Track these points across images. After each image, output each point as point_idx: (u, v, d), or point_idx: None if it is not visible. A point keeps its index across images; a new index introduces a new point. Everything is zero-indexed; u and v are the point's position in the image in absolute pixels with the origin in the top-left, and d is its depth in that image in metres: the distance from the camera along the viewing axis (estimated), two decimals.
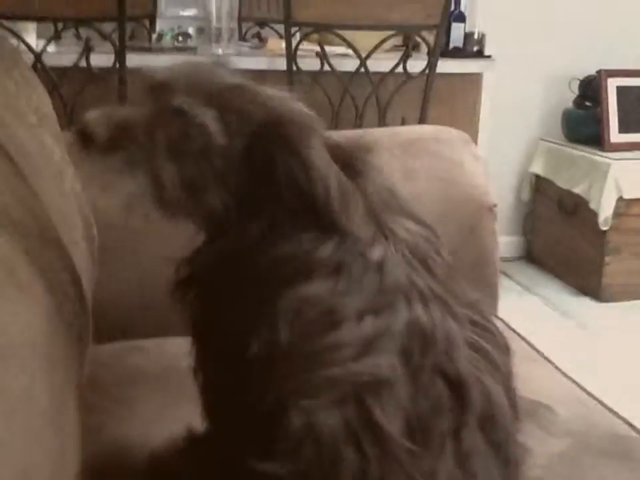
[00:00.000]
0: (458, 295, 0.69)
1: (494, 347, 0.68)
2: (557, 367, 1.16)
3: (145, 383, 1.08)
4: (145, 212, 0.69)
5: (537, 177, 3.33)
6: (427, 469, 0.60)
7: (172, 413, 1.02)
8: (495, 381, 0.65)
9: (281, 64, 2.33)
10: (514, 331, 1.24)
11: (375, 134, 1.40)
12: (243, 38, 3.19)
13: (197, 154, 0.66)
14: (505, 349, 0.70)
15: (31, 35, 2.31)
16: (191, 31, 3.09)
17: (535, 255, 3.43)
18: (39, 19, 2.21)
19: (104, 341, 1.06)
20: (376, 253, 0.64)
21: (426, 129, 1.48)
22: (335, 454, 0.58)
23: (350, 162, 0.68)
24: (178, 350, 1.16)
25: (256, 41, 3.10)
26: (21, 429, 0.46)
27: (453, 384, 0.62)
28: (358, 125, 2.26)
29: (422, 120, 2.28)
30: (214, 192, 0.67)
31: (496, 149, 2.99)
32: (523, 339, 1.25)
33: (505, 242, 3.26)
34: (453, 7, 2.69)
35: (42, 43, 2.19)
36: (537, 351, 1.21)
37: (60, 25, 2.18)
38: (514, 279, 3.21)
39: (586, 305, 2.97)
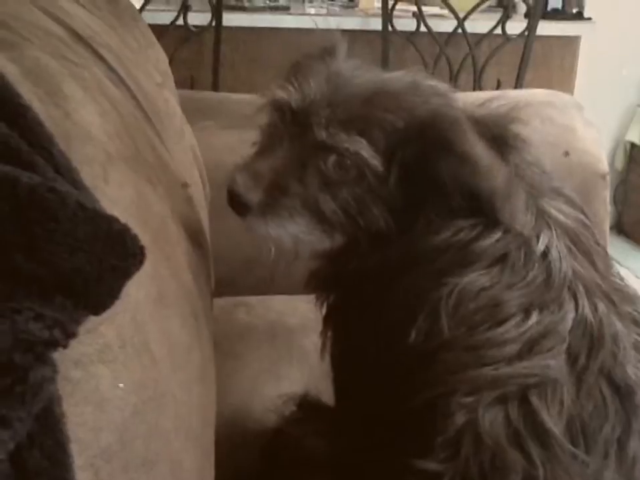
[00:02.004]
0: (619, 288, 0.66)
1: None
2: None
3: (252, 338, 1.10)
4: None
5: (633, 145, 3.20)
6: (590, 474, 0.57)
7: (279, 370, 1.04)
8: None
9: (374, 24, 2.29)
10: None
11: (483, 97, 1.36)
12: None
13: (353, 180, 0.64)
14: None
15: None
16: None
17: (625, 227, 3.31)
18: None
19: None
20: (540, 243, 0.61)
21: (537, 93, 1.43)
22: (497, 452, 0.56)
23: (499, 137, 0.65)
24: (282, 308, 1.19)
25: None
26: (182, 381, 0.47)
27: (619, 388, 0.59)
28: (452, 87, 2.21)
29: (518, 83, 2.21)
30: (374, 208, 0.65)
31: (591, 115, 2.88)
32: None
33: None
34: None
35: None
36: None
37: None
38: None
39: None
